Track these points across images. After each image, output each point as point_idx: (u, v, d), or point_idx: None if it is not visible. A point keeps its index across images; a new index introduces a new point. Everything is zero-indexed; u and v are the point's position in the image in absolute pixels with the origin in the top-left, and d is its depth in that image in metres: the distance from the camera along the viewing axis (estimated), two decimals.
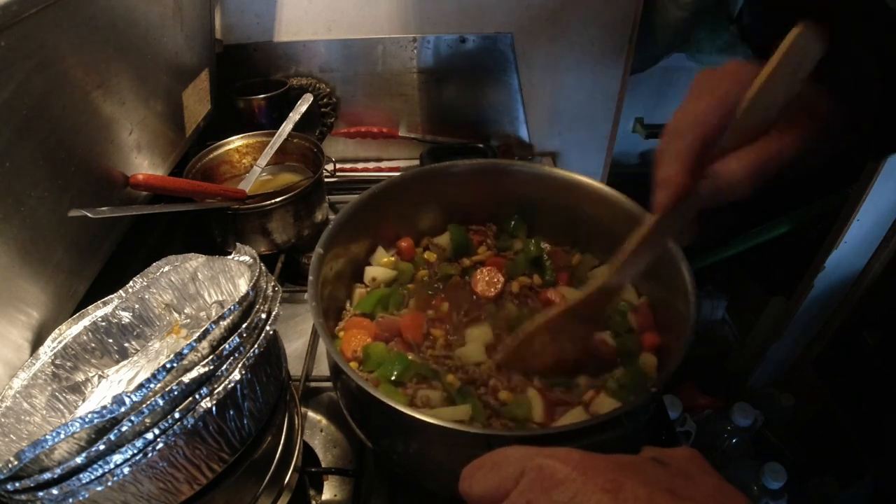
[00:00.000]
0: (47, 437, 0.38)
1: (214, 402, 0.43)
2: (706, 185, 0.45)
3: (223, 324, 0.45)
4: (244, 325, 0.47)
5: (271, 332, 0.50)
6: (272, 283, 0.54)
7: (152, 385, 0.41)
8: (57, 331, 0.57)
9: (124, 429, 0.40)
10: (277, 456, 0.55)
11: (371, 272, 0.78)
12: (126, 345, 0.60)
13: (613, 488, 0.25)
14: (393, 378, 0.64)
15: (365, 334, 0.69)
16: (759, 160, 0.43)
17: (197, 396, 0.43)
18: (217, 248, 0.93)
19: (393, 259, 0.80)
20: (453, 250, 0.81)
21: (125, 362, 0.60)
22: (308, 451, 0.71)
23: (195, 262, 0.62)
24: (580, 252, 0.81)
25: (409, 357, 0.67)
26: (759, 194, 0.46)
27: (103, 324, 0.59)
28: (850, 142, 0.47)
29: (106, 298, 0.60)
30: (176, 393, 0.42)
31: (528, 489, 0.27)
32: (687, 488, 0.26)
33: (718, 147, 0.45)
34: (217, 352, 0.45)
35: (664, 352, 0.67)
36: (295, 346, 0.84)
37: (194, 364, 0.43)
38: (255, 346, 0.48)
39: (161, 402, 0.41)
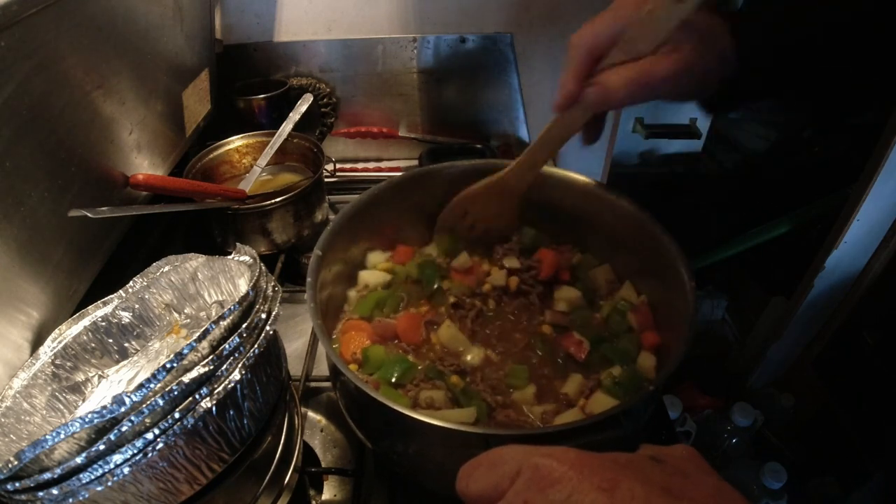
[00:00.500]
0: (47, 437, 0.38)
1: (214, 402, 0.44)
2: (591, 92, 0.55)
3: (223, 324, 0.46)
4: (244, 325, 0.47)
5: (271, 332, 0.50)
6: (272, 283, 0.54)
7: (152, 385, 0.41)
8: (57, 331, 0.57)
9: (124, 429, 0.40)
10: (277, 456, 0.56)
11: (364, 278, 0.77)
12: (126, 345, 0.61)
13: (609, 487, 0.25)
14: (393, 380, 0.64)
15: (363, 336, 0.69)
16: (636, 76, 0.52)
17: (197, 396, 0.43)
18: (217, 248, 0.93)
19: (388, 262, 0.80)
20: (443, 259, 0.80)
21: (125, 362, 0.60)
22: (308, 451, 0.71)
23: (195, 262, 0.62)
24: (581, 252, 0.81)
25: (409, 359, 0.67)
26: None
27: (103, 324, 0.59)
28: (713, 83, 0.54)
29: (106, 298, 0.61)
30: (176, 393, 0.42)
31: (524, 488, 0.27)
32: (684, 487, 0.26)
33: (607, 62, 0.54)
34: (217, 352, 0.45)
35: (664, 351, 0.67)
36: (295, 346, 0.84)
37: (194, 364, 0.43)
38: (255, 346, 0.48)
39: (161, 402, 0.41)
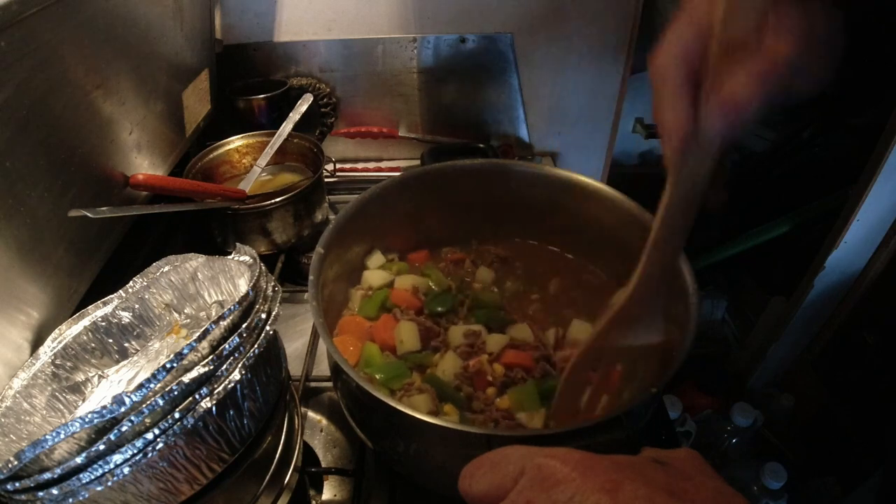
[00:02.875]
0: (47, 437, 0.38)
1: (214, 402, 0.43)
2: (712, 112, 0.39)
3: (223, 324, 0.45)
4: (244, 325, 0.47)
5: (271, 332, 0.50)
6: (272, 283, 0.54)
7: (152, 385, 0.41)
8: (57, 331, 0.57)
9: (124, 429, 0.40)
10: (277, 456, 0.55)
11: (368, 278, 0.77)
12: (126, 345, 0.60)
13: (613, 488, 0.25)
14: (378, 378, 0.64)
15: (361, 333, 0.69)
16: (763, 65, 0.38)
17: (197, 396, 0.43)
18: (217, 248, 0.93)
19: (393, 264, 0.80)
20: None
21: (125, 362, 0.60)
22: (308, 451, 0.71)
23: (195, 262, 0.62)
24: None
25: (405, 365, 0.66)
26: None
27: (103, 324, 0.59)
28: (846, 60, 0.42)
29: (106, 298, 0.60)
30: (176, 393, 0.42)
31: (527, 488, 0.27)
32: (686, 489, 0.26)
33: (711, 71, 0.40)
34: (217, 352, 0.45)
35: (664, 352, 0.67)
36: (295, 346, 0.84)
37: (194, 364, 0.43)
38: (255, 346, 0.48)
39: (161, 402, 0.41)
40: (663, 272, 0.48)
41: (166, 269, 0.62)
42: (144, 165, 0.81)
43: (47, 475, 0.39)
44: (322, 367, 0.80)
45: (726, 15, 0.39)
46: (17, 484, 0.39)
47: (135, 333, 0.61)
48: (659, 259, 0.47)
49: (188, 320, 0.63)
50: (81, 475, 0.39)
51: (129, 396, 0.40)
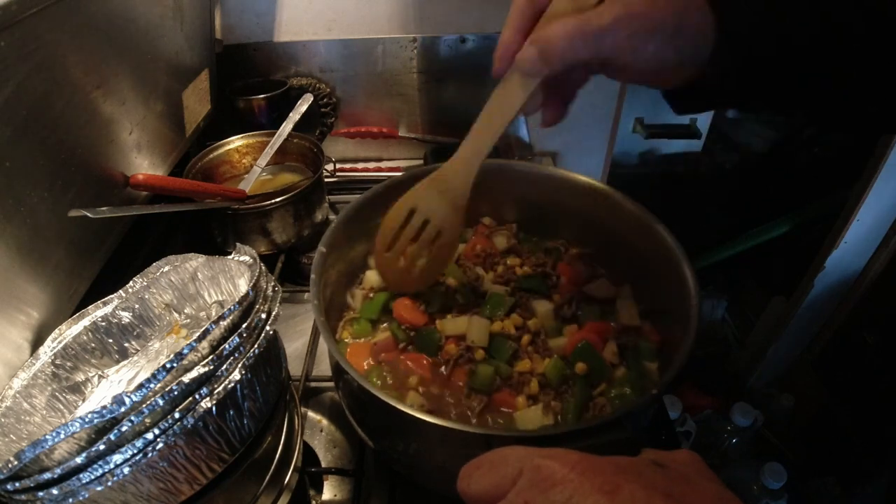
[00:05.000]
0: (47, 437, 0.38)
1: (214, 402, 0.44)
2: (529, 44, 0.46)
3: (223, 324, 0.45)
4: (244, 325, 0.47)
5: (271, 332, 0.50)
6: (272, 283, 0.54)
7: (152, 385, 0.41)
8: (57, 331, 0.57)
9: (124, 429, 0.40)
10: (277, 456, 0.56)
11: (370, 278, 0.77)
12: (126, 345, 0.60)
13: (611, 490, 0.25)
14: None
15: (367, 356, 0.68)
16: (579, 23, 0.44)
17: (197, 396, 0.43)
18: (217, 248, 0.93)
19: None
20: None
21: (125, 362, 0.60)
22: (308, 451, 0.71)
23: (195, 262, 0.62)
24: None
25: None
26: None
27: (103, 324, 0.59)
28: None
29: (106, 298, 0.60)
30: (176, 393, 0.42)
31: (525, 489, 0.27)
32: (685, 493, 0.26)
33: (550, 12, 0.47)
34: (217, 352, 0.45)
35: (665, 353, 0.67)
36: (295, 346, 0.84)
37: (194, 364, 0.43)
38: (255, 346, 0.48)
39: (161, 402, 0.41)
40: (474, 156, 0.61)
41: (166, 269, 0.62)
42: (144, 165, 0.81)
43: (47, 475, 0.39)
44: (322, 367, 0.80)
45: None
46: (17, 484, 0.39)
47: (135, 333, 0.61)
48: (472, 147, 0.61)
49: (188, 320, 0.63)
50: (81, 475, 0.39)
51: (129, 396, 0.40)
